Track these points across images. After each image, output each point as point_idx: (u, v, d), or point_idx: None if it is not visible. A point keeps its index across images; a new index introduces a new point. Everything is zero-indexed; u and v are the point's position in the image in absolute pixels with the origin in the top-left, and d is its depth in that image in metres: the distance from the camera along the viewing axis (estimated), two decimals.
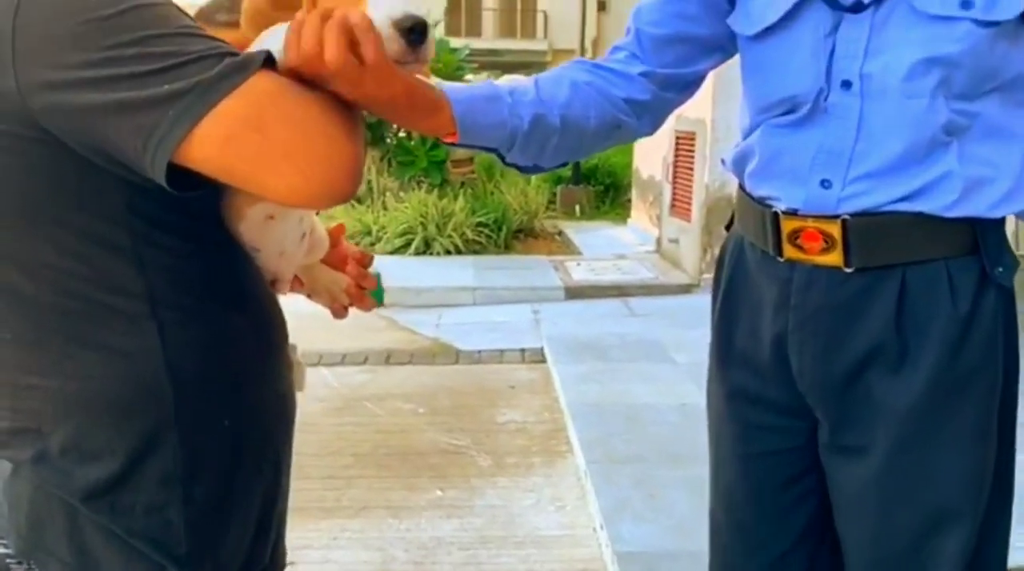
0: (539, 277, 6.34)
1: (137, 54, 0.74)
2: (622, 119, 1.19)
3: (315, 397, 4.09)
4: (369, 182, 8.30)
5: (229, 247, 0.93)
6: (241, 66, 0.77)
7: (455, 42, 10.29)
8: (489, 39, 29.11)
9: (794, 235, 1.14)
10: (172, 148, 0.75)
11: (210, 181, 0.79)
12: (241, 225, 0.91)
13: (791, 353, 1.17)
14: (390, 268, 6.28)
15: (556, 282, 6.18)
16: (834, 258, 1.11)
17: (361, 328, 5.33)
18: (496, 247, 7.25)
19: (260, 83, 0.77)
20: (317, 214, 1.08)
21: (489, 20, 29.47)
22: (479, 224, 7.24)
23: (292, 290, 1.16)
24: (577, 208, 9.92)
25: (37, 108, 0.75)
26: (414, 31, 0.81)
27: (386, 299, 5.84)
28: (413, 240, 6.95)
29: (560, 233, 8.34)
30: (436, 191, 7.65)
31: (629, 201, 9.32)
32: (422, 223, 7.05)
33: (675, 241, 6.79)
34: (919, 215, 1.07)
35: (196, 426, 0.88)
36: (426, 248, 6.96)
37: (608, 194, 10.64)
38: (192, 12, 0.91)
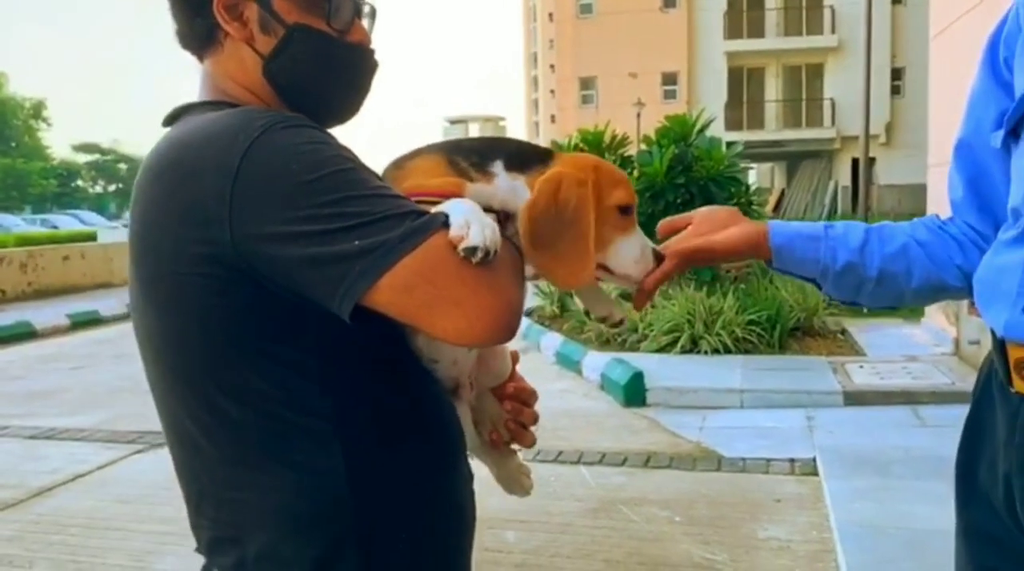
0: (815, 380, 5.93)
1: (332, 213, 0.85)
2: (950, 284, 1.19)
3: (573, 496, 4.11)
4: None
5: (411, 367, 1.01)
6: (421, 228, 0.86)
7: (736, 136, 10.17)
8: (772, 131, 28.71)
9: (1020, 365, 1.01)
10: (358, 297, 0.85)
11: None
12: (419, 340, 1.01)
13: (1016, 497, 1.02)
14: (655, 367, 6.22)
15: (834, 386, 5.74)
16: None
17: (622, 428, 5.30)
18: (769, 347, 6.90)
19: (436, 242, 0.86)
20: None
21: (772, 112, 29.07)
22: (750, 322, 6.97)
23: None
24: None
25: (246, 257, 0.87)
26: (658, 257, 1.11)
27: (649, 399, 5.77)
28: (679, 338, 6.84)
29: (843, 331, 7.77)
30: (705, 288, 7.51)
31: None
32: (689, 320, 6.93)
33: (976, 343, 6.06)
34: None
35: (376, 539, 0.94)
36: (693, 346, 6.82)
37: None
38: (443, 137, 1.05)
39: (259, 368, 0.92)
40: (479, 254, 0.85)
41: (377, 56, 1.08)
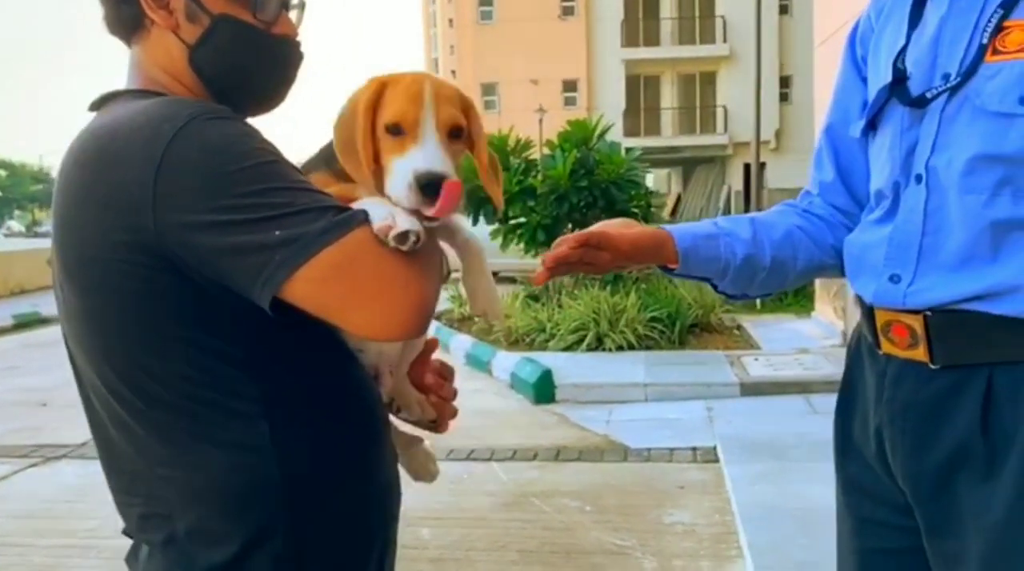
0: (713, 373, 6.18)
1: (254, 204, 0.88)
2: (828, 263, 1.28)
3: (485, 492, 4.17)
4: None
5: (335, 351, 1.04)
6: (342, 223, 0.89)
7: (634, 142, 10.41)
8: (668, 137, 29.50)
9: (887, 328, 1.13)
10: (276, 287, 0.87)
11: None
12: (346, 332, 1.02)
13: (887, 448, 1.14)
14: (563, 365, 6.36)
15: (731, 378, 6.00)
16: (920, 354, 1.09)
17: (532, 424, 5.40)
18: (670, 343, 7.15)
19: (356, 237, 0.89)
20: None
21: (668, 119, 29.87)
22: (652, 319, 7.20)
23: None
24: (758, 301, 9.65)
25: (169, 245, 0.89)
26: (429, 186, 0.93)
27: (558, 396, 5.89)
28: (586, 336, 7.01)
29: (739, 327, 8.11)
30: (609, 288, 7.71)
31: (814, 292, 8.96)
32: (594, 319, 7.11)
33: None
34: (1001, 317, 1.02)
35: (304, 516, 0.97)
36: (598, 344, 6.99)
37: None
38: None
39: (184, 355, 0.93)
40: (411, 238, 0.88)
41: (303, 48, 1.11)
